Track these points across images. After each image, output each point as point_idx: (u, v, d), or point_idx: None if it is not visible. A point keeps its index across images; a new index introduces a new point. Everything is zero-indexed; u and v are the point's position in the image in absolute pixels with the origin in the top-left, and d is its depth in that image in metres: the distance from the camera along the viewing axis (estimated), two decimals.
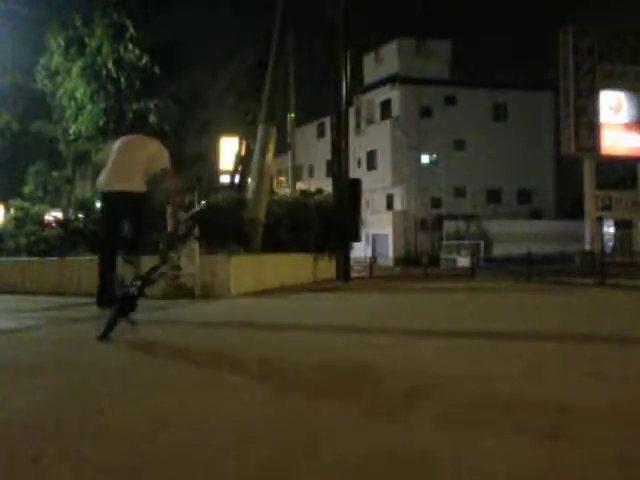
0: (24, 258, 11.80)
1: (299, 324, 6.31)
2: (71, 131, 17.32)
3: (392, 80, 40.78)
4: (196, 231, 7.76)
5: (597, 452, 2.21)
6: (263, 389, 3.27)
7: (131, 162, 6.00)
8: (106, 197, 6.06)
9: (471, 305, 8.65)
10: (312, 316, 7.12)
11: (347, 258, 14.44)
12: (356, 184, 15.12)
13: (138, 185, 5.93)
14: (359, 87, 40.17)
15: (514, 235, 34.30)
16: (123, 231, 6.06)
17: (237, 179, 27.37)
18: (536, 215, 41.51)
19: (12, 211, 16.97)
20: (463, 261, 29.53)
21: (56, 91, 17.34)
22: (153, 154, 6.17)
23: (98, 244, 6.00)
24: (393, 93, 41.16)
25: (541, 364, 3.89)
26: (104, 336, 4.88)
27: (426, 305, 8.68)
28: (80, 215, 12.79)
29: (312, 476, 2.01)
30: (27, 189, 27.00)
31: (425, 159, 41.38)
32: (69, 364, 4.18)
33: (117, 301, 5.16)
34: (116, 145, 6.26)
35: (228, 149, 29.43)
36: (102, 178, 6.03)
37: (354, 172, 18.84)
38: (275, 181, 34.51)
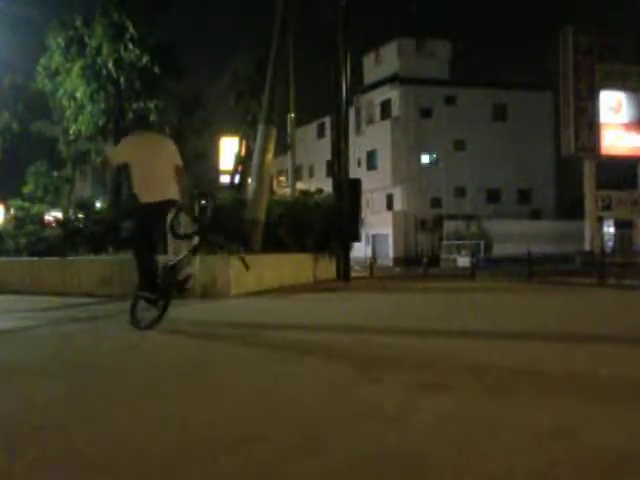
0: (24, 258, 11.79)
1: (307, 325, 6.32)
2: (71, 131, 17.34)
3: (392, 80, 40.80)
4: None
5: None
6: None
7: (165, 169, 5.91)
8: (148, 207, 5.83)
9: (475, 305, 8.65)
10: (318, 317, 7.12)
11: (347, 258, 14.41)
12: (356, 184, 15.10)
13: (174, 193, 5.86)
14: (359, 87, 40.23)
15: (514, 235, 34.29)
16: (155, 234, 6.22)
17: (237, 179, 27.43)
18: (536, 215, 41.52)
19: (12, 211, 16.98)
20: (463, 261, 29.52)
21: (56, 91, 17.35)
22: (173, 154, 6.08)
23: (135, 247, 6.06)
24: (393, 93, 41.16)
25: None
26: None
27: (432, 305, 8.68)
28: (80, 215, 12.76)
29: None
30: (27, 189, 27.04)
31: (425, 159, 41.41)
32: (70, 364, 4.18)
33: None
34: (136, 147, 6.03)
35: (228, 149, 29.53)
36: (142, 190, 5.80)
37: (354, 172, 18.82)
38: (275, 181, 34.53)
